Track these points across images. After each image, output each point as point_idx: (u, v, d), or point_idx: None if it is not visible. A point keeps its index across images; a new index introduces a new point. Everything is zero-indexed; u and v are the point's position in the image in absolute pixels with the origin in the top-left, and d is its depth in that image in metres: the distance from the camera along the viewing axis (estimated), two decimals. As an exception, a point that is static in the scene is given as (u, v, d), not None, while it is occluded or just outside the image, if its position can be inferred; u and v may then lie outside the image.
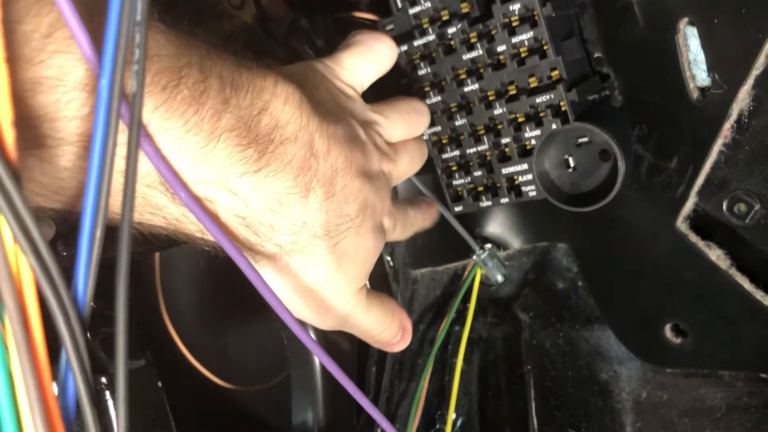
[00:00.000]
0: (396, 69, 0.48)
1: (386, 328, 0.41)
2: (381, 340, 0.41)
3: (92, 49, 0.20)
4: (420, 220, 0.48)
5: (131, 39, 0.19)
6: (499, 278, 0.55)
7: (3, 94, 0.17)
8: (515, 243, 0.55)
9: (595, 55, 0.46)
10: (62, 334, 0.18)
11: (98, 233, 0.18)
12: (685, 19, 0.41)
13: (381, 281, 0.58)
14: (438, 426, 0.54)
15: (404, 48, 0.47)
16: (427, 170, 0.51)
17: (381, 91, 0.50)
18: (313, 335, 0.33)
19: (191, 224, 0.30)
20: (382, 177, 0.39)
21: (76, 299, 0.18)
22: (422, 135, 0.45)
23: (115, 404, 0.19)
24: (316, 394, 0.48)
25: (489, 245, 0.54)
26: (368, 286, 0.39)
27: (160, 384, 0.41)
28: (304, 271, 0.34)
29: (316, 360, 0.48)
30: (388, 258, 0.59)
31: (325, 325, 0.38)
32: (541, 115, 0.43)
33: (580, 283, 0.52)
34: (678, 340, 0.48)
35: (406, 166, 0.42)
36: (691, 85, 0.42)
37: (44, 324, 0.18)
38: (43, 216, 0.26)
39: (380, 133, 0.40)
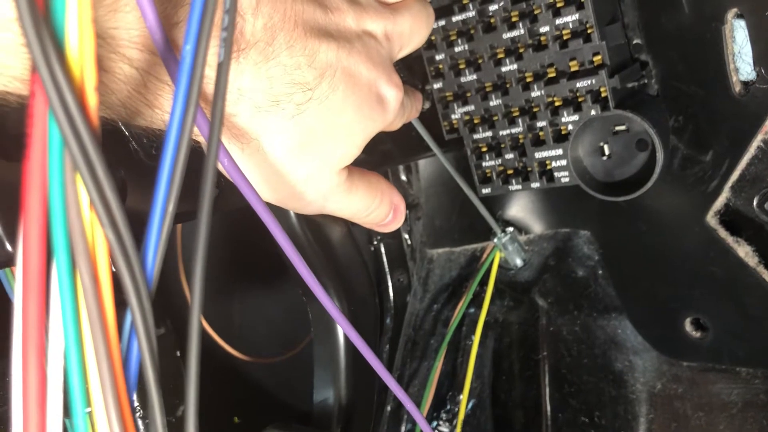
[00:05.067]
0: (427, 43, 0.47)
1: (374, 210, 0.37)
2: (370, 221, 0.38)
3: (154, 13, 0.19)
4: (413, 110, 0.43)
5: (219, 5, 0.18)
6: (519, 262, 0.54)
7: (90, 60, 0.16)
8: (536, 227, 0.54)
9: (635, 42, 0.45)
10: (131, 303, 0.17)
11: (170, 208, 0.17)
12: (734, 11, 0.40)
13: (398, 258, 0.57)
14: (449, 407, 0.54)
15: (442, 23, 0.46)
16: (453, 148, 0.51)
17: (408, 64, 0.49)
18: (339, 308, 0.32)
19: None
20: (368, 39, 0.33)
21: (144, 270, 0.17)
22: None
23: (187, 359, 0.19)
24: (339, 371, 0.47)
25: (511, 229, 0.53)
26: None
27: (178, 353, 0.41)
28: (267, 154, 0.30)
29: (341, 336, 0.47)
30: (406, 236, 0.58)
31: (304, 210, 0.35)
32: (580, 100, 0.42)
33: (600, 272, 0.52)
34: (697, 335, 0.48)
35: (409, 28, 0.36)
36: (734, 78, 0.42)
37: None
38: None
39: None
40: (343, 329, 0.30)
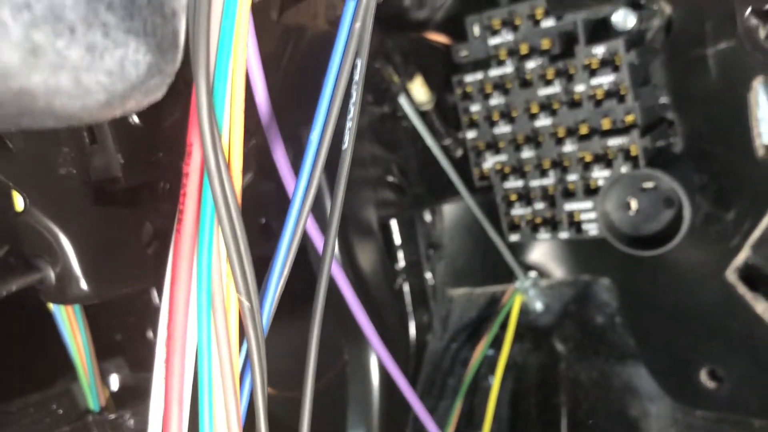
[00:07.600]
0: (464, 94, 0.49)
1: None
2: None
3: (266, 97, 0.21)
4: None
5: (345, 96, 0.20)
6: (539, 307, 0.56)
7: (237, 151, 0.18)
8: (557, 273, 0.56)
9: (661, 101, 0.47)
10: (252, 352, 0.18)
11: (285, 272, 0.19)
12: (761, 77, 0.42)
13: (420, 297, 0.58)
14: (466, 446, 0.55)
15: (479, 76, 0.48)
16: (479, 193, 0.52)
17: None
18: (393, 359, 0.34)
19: None
20: None
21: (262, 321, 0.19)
22: None
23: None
24: (372, 411, 0.48)
25: (533, 273, 0.55)
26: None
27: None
28: None
29: (375, 376, 0.48)
30: (429, 275, 0.60)
31: None
32: (611, 157, 0.44)
33: (617, 319, 0.53)
34: (713, 385, 0.50)
35: None
36: (757, 142, 0.44)
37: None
38: None
39: None
40: (396, 381, 0.31)
